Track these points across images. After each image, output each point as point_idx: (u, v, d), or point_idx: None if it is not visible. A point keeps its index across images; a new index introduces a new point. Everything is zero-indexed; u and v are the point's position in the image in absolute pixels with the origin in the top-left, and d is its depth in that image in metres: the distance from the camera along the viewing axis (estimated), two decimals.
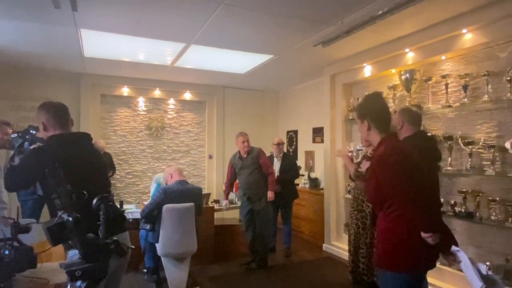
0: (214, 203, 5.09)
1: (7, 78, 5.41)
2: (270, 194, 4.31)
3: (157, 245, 3.68)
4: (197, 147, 6.95)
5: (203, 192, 4.05)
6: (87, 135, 2.00)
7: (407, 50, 3.92)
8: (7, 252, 1.68)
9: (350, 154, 4.30)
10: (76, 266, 1.18)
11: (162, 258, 3.70)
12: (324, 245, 5.20)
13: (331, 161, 5.12)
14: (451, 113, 3.66)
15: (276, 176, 4.71)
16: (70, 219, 1.16)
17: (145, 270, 4.00)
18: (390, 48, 4.07)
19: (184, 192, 3.74)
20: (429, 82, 3.82)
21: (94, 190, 1.40)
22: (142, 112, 6.50)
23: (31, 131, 2.89)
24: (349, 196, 4.80)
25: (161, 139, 6.62)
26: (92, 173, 1.80)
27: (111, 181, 5.88)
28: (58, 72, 5.66)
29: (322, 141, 5.79)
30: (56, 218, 1.20)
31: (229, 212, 5.54)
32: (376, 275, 3.47)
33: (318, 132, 6.12)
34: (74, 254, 1.30)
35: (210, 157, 6.95)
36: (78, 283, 1.18)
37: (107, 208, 1.31)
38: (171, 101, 6.72)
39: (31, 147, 2.00)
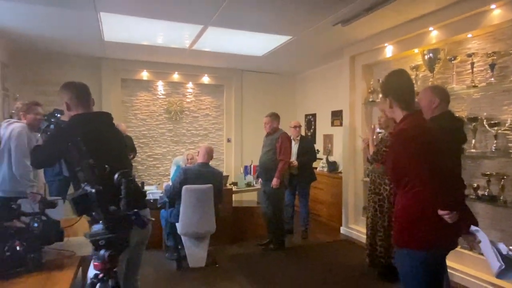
0: (232, 185, 5.15)
1: (32, 64, 5.58)
2: (274, 181, 4.21)
3: (177, 224, 3.80)
4: (215, 131, 7.01)
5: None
6: (108, 114, 2.05)
7: (431, 28, 3.77)
8: (36, 224, 1.77)
9: (366, 138, 4.23)
10: (100, 236, 1.24)
11: (182, 237, 3.82)
12: (341, 228, 5.21)
13: (350, 144, 5.06)
14: (477, 93, 3.53)
15: (294, 159, 4.72)
16: (93, 191, 1.21)
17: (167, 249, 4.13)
18: (413, 27, 3.93)
19: (204, 174, 3.81)
20: (454, 62, 3.68)
21: (116, 166, 1.45)
22: (161, 96, 6.58)
23: (56, 114, 2.99)
24: (367, 179, 4.76)
25: (180, 122, 6.70)
26: (113, 150, 1.86)
27: (133, 164, 6.04)
28: (79, 57, 5.79)
29: (341, 124, 5.72)
30: (80, 190, 1.25)
31: (247, 194, 5.62)
32: (393, 257, 3.46)
33: (337, 115, 6.04)
34: (98, 228, 1.36)
35: (228, 140, 7.00)
36: (102, 251, 1.24)
37: (128, 182, 1.35)
38: (190, 85, 6.76)
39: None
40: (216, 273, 3.71)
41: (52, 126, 2.05)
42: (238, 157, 6.91)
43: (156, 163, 6.53)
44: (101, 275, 1.29)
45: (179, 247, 3.93)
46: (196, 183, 3.72)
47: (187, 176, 3.73)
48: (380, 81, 2.45)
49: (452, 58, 3.67)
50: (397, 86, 1.84)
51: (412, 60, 4.30)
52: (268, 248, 4.44)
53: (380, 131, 3.84)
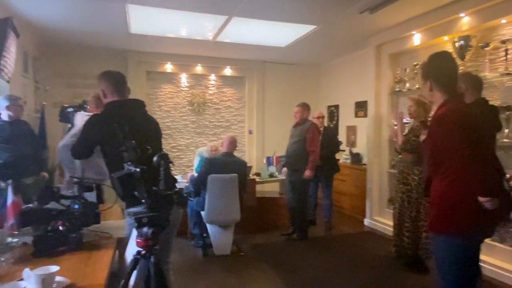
0: (255, 176, 5.18)
1: (61, 57, 5.76)
2: (308, 173, 4.22)
3: (202, 213, 3.87)
4: (237, 123, 7.04)
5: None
6: (141, 101, 2.11)
7: (462, 14, 3.65)
8: (76, 206, 1.85)
9: (395, 128, 4.16)
10: (143, 214, 1.29)
11: (208, 225, 3.89)
12: (365, 220, 5.16)
13: (375, 135, 4.99)
14: (510, 81, 3.41)
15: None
16: (138, 170, 1.26)
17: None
18: (443, 13, 3.81)
19: (228, 164, 3.86)
20: (486, 49, 3.56)
21: (153, 149, 1.50)
22: (185, 88, 6.67)
23: (85, 106, 3.09)
24: (393, 170, 4.69)
25: (203, 114, 6.77)
26: (148, 135, 1.91)
27: None
28: (107, 50, 5.92)
29: (365, 115, 5.64)
30: (125, 170, 1.30)
31: (269, 185, 5.65)
32: (420, 248, 3.41)
33: (361, 106, 5.95)
34: (137, 209, 1.40)
35: (250, 132, 7.03)
36: (145, 229, 1.28)
37: (167, 164, 1.40)
38: (212, 76, 6.81)
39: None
40: (241, 261, 3.76)
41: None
42: (260, 148, 6.94)
43: (179, 154, 6.64)
44: (143, 252, 1.34)
45: (204, 235, 4.01)
46: (221, 172, 3.77)
47: (212, 165, 3.79)
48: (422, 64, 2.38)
49: (485, 45, 3.55)
50: (438, 68, 1.80)
51: (441, 48, 4.16)
52: (291, 238, 4.46)
53: (408, 120, 3.77)
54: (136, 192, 1.31)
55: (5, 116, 3.41)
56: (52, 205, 1.94)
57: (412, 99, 3.48)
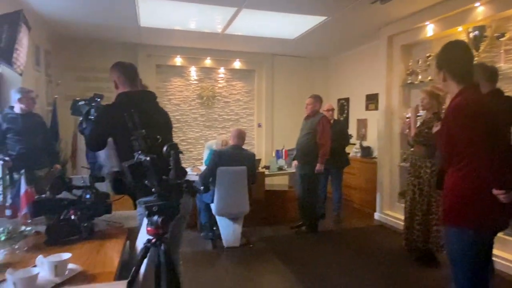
0: (264, 169, 5.18)
1: (72, 51, 5.81)
2: (318, 167, 4.21)
3: (212, 205, 3.89)
4: (246, 116, 7.04)
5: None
6: (152, 93, 2.12)
7: (477, 4, 3.56)
8: (88, 196, 1.87)
9: (407, 120, 4.10)
10: (153, 202, 1.29)
11: (217, 217, 3.91)
12: (375, 213, 5.12)
13: (386, 128, 4.93)
14: None
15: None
16: (148, 158, 1.27)
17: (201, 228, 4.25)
18: (457, 3, 3.72)
19: (237, 156, 3.86)
20: (502, 39, 3.46)
21: (164, 139, 1.50)
22: (194, 82, 6.67)
23: (96, 99, 3.11)
24: (404, 164, 4.64)
25: (212, 107, 6.78)
26: (159, 126, 1.92)
27: None
28: (117, 44, 5.95)
29: (376, 108, 5.57)
30: (135, 159, 1.31)
31: (278, 178, 5.65)
32: (431, 242, 3.38)
33: (372, 99, 5.88)
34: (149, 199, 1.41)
35: (259, 125, 7.01)
36: (155, 217, 1.29)
37: (176, 154, 1.40)
38: (221, 70, 6.80)
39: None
40: (250, 253, 3.78)
41: (92, 110, 2.14)
42: (269, 141, 6.93)
43: (189, 147, 6.68)
44: (153, 240, 1.35)
45: (214, 227, 4.03)
46: (229, 165, 3.78)
47: (221, 158, 3.79)
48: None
49: (500, 35, 3.45)
50: (452, 58, 1.75)
51: (455, 39, 4.08)
52: (300, 231, 4.46)
53: (421, 113, 3.70)
54: (146, 181, 1.31)
55: (17, 108, 3.46)
56: (64, 195, 1.97)
57: (425, 91, 3.42)
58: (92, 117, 2.10)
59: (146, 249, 1.34)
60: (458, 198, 1.65)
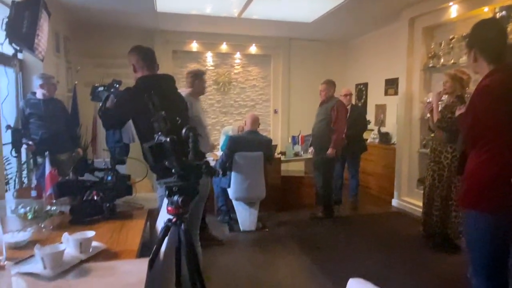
0: (280, 155, 5.17)
1: (91, 37, 5.87)
2: (330, 151, 4.16)
3: (228, 190, 3.93)
4: (262, 102, 7.00)
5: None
6: (171, 76, 2.13)
7: None
8: (109, 178, 1.92)
9: (429, 104, 3.99)
10: (173, 183, 1.32)
11: (234, 202, 3.95)
12: (393, 200, 5.07)
13: (406, 113, 4.82)
14: None
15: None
16: (168, 139, 1.28)
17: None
18: None
19: (253, 142, 3.87)
20: None
21: (182, 121, 1.51)
22: (210, 67, 6.66)
23: (115, 84, 3.15)
24: (424, 150, 4.54)
25: (228, 93, 6.77)
26: (178, 108, 1.93)
27: None
28: (134, 30, 5.97)
29: (395, 93, 5.45)
30: (155, 140, 1.33)
31: (294, 164, 5.64)
32: (449, 228, 3.32)
33: (391, 84, 5.74)
34: (168, 180, 1.43)
35: (276, 111, 6.97)
36: (175, 197, 1.32)
37: (195, 135, 1.40)
38: (237, 55, 6.75)
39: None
40: (266, 237, 3.82)
41: (112, 96, 2.16)
42: (285, 127, 6.89)
43: None
44: (174, 220, 1.37)
45: (230, 212, 4.08)
46: (246, 150, 3.80)
47: (237, 143, 3.81)
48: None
49: None
50: (484, 36, 1.67)
51: (480, 19, 3.91)
52: (316, 216, 4.46)
53: (443, 99, 3.59)
54: (166, 162, 1.33)
55: (39, 94, 3.54)
56: (86, 177, 2.02)
57: (448, 74, 3.32)
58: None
59: (166, 228, 1.37)
60: (478, 182, 1.61)
